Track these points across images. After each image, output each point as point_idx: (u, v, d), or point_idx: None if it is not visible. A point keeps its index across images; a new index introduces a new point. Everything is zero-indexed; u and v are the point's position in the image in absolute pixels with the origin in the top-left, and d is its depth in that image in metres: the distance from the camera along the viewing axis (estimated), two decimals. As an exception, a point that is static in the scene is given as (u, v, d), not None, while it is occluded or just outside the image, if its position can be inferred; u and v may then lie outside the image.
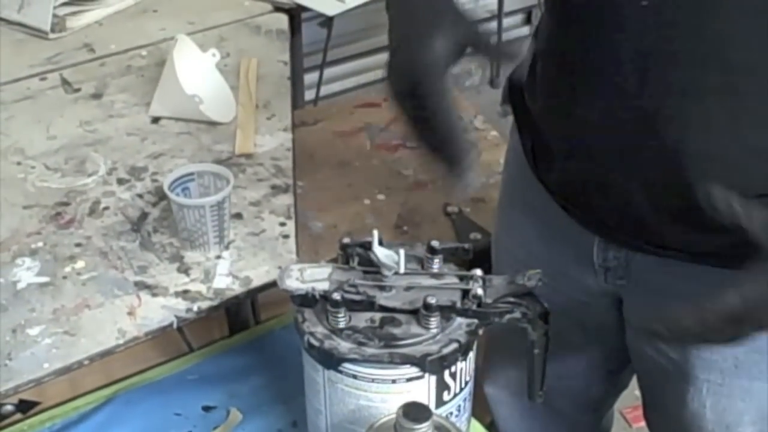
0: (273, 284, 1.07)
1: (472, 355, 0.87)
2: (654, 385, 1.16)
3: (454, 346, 0.83)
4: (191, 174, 1.12)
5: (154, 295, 1.06)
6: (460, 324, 0.85)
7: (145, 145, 1.31)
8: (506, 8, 3.05)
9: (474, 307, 0.85)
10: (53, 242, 1.14)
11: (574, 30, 0.94)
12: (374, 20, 2.57)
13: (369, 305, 0.85)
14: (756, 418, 1.05)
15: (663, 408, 1.14)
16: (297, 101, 1.87)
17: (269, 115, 1.38)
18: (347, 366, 0.83)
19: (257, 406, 1.04)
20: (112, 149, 1.30)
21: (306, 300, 0.86)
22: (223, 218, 1.11)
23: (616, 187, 0.95)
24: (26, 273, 1.09)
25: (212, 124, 1.34)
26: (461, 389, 0.88)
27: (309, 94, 2.49)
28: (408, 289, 0.87)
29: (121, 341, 1.01)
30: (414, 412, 0.76)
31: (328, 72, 2.63)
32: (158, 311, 1.04)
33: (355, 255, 0.90)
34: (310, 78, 2.51)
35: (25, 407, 1.11)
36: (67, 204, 1.20)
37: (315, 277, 0.88)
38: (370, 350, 0.82)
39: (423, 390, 0.84)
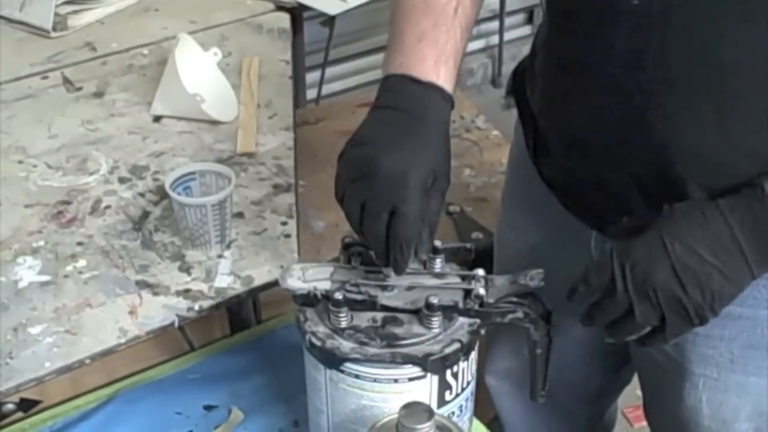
0: (274, 283, 1.07)
1: (474, 354, 0.87)
2: (652, 381, 1.16)
3: (456, 345, 0.83)
4: (193, 173, 1.12)
5: (156, 294, 1.06)
6: (462, 324, 0.85)
7: (146, 144, 1.31)
8: (508, 8, 3.05)
9: (476, 307, 0.85)
10: (55, 241, 1.13)
11: (568, 26, 0.95)
12: (376, 19, 2.57)
13: (371, 305, 0.85)
14: (752, 413, 1.06)
15: (661, 404, 1.15)
16: (299, 100, 1.87)
17: (271, 114, 1.37)
18: (349, 365, 0.83)
19: (259, 405, 1.04)
20: (114, 148, 1.30)
21: (308, 299, 0.86)
22: (225, 217, 1.10)
23: (609, 182, 0.96)
24: (27, 272, 1.09)
25: (214, 123, 1.34)
26: (463, 389, 0.87)
27: (311, 93, 2.49)
28: (410, 288, 0.87)
29: (122, 340, 1.01)
30: (416, 412, 0.75)
31: (330, 71, 2.63)
32: (160, 310, 1.04)
33: (357, 254, 0.90)
34: (311, 77, 2.51)
35: (27, 406, 1.11)
36: (68, 203, 1.20)
37: (317, 276, 0.87)
38: (372, 350, 0.82)
39: (425, 390, 0.84)
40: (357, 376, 0.83)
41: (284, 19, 1.63)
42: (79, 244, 1.13)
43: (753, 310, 0.98)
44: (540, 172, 1.07)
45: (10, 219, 1.17)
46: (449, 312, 0.84)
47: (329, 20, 2.22)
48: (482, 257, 1.02)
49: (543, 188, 1.07)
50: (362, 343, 0.82)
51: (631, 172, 0.94)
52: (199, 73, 1.38)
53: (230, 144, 1.30)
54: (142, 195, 1.21)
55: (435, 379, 0.84)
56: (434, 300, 0.83)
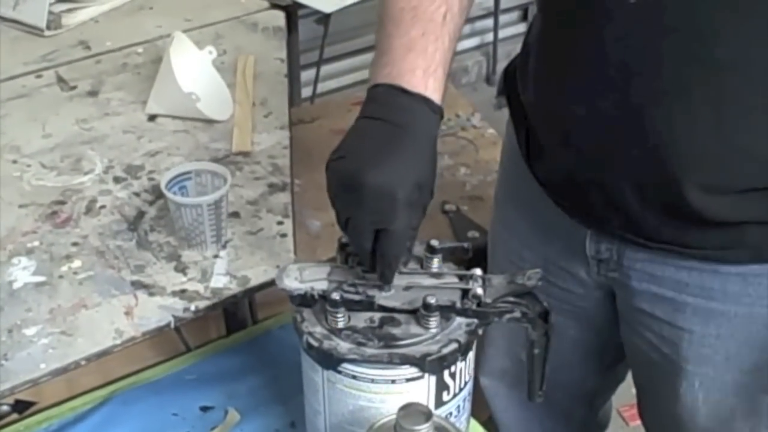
0: (271, 283, 1.06)
1: (471, 355, 0.87)
2: (647, 380, 1.16)
3: (454, 346, 0.83)
4: (188, 172, 1.12)
5: (152, 294, 1.06)
6: (460, 324, 0.85)
7: (141, 143, 1.30)
8: (502, 5, 3.05)
9: (474, 306, 0.85)
10: (49, 241, 1.13)
11: (563, 25, 0.95)
12: (371, 17, 2.53)
13: (368, 305, 0.85)
14: (748, 411, 1.06)
15: (656, 402, 1.15)
16: (294, 99, 1.87)
17: (266, 112, 1.37)
18: (346, 366, 0.82)
19: (255, 406, 1.04)
20: (109, 147, 1.29)
21: (305, 300, 0.86)
22: (221, 217, 1.10)
23: (604, 182, 0.96)
24: (22, 272, 1.08)
25: (209, 122, 1.33)
26: (461, 389, 0.87)
27: (306, 92, 2.48)
28: (407, 288, 0.87)
29: (118, 341, 1.01)
30: (414, 413, 0.75)
31: (325, 69, 2.62)
32: (155, 311, 1.04)
33: (353, 254, 0.89)
34: (306, 75, 2.50)
35: (22, 407, 1.11)
36: (63, 203, 1.19)
37: (314, 276, 0.87)
38: (369, 350, 0.82)
39: (422, 390, 0.83)
40: (354, 377, 0.83)
41: (279, 17, 1.63)
42: (74, 244, 1.13)
43: (748, 309, 0.98)
44: (533, 171, 1.07)
45: (5, 219, 1.16)
46: (447, 312, 0.84)
47: (324, 18, 2.22)
48: (478, 256, 1.02)
49: (536, 187, 1.06)
50: (360, 344, 0.82)
51: (627, 172, 0.93)
52: (194, 71, 1.37)
53: (225, 143, 1.30)
54: (137, 195, 1.20)
55: (433, 379, 0.83)
56: (432, 300, 0.82)
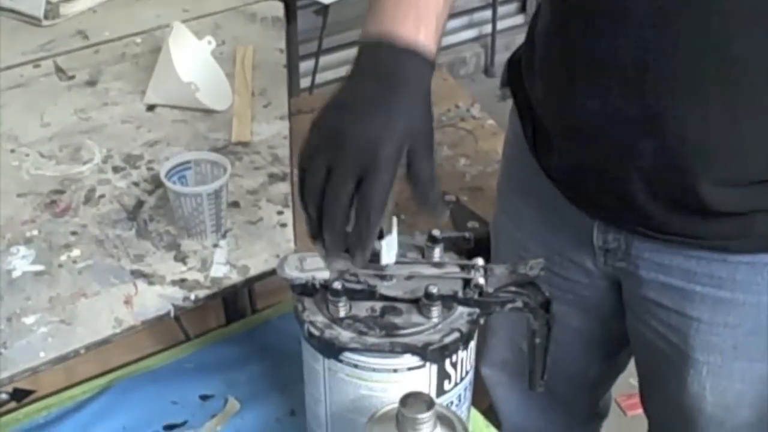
0: (271, 273, 1.06)
1: (472, 344, 0.87)
2: (653, 369, 1.16)
3: (456, 335, 0.83)
4: (188, 162, 1.11)
5: (151, 283, 1.05)
6: (462, 313, 0.84)
7: (140, 133, 1.30)
8: (501, -3, 3.05)
9: (475, 296, 0.84)
10: (48, 230, 1.13)
11: (575, 19, 0.94)
12: (369, 8, 2.55)
13: (370, 294, 0.84)
14: (756, 399, 1.06)
15: (662, 391, 1.15)
16: (292, 89, 1.86)
17: (266, 103, 1.37)
18: (348, 355, 0.82)
19: (255, 395, 1.04)
20: (107, 137, 1.29)
21: (306, 289, 0.86)
22: (221, 207, 1.10)
23: (614, 175, 0.95)
24: (21, 261, 1.08)
25: (208, 112, 1.33)
26: (462, 378, 0.87)
27: (304, 82, 2.48)
28: (409, 278, 0.86)
29: (117, 330, 1.01)
30: (416, 402, 0.75)
31: (324, 60, 2.61)
32: (155, 300, 1.04)
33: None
34: (305, 66, 2.50)
35: (21, 396, 1.10)
36: (62, 192, 1.19)
37: (315, 265, 0.86)
38: (371, 339, 0.81)
39: (424, 379, 0.83)
40: (356, 366, 0.83)
41: (278, 8, 1.62)
42: (73, 233, 1.12)
43: (756, 297, 0.98)
44: (539, 162, 1.06)
45: (3, 208, 1.16)
46: (448, 301, 0.84)
47: (323, 9, 2.22)
48: (478, 246, 1.02)
49: (542, 178, 1.06)
50: (361, 333, 0.82)
51: (638, 166, 0.93)
52: (194, 61, 1.37)
53: (225, 133, 1.29)
54: (136, 184, 1.20)
55: (434, 368, 0.83)
56: (433, 289, 0.82)
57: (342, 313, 0.83)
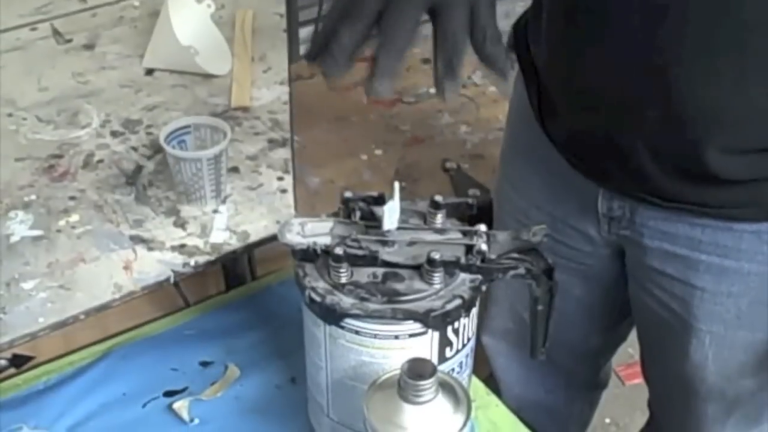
0: (271, 239, 1.06)
1: (474, 311, 0.86)
2: (655, 338, 1.16)
3: (458, 302, 0.82)
4: (188, 126, 1.10)
5: (150, 249, 1.05)
6: (464, 280, 0.84)
7: (139, 98, 1.28)
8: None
9: (478, 262, 0.84)
10: (47, 195, 1.12)
11: None
12: (369, -26, 2.52)
13: (372, 260, 0.83)
14: (757, 369, 1.06)
15: (663, 360, 1.14)
16: (292, 56, 1.84)
17: (265, 68, 1.35)
18: (349, 321, 0.82)
19: (255, 361, 1.03)
20: (106, 101, 1.27)
21: (307, 255, 0.85)
22: (220, 172, 1.09)
23: (620, 142, 0.94)
24: (19, 226, 1.07)
25: (207, 76, 1.31)
26: (463, 345, 0.87)
27: (304, 49, 2.45)
28: (411, 244, 0.85)
29: (117, 296, 1.00)
30: (419, 368, 0.75)
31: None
32: (154, 265, 1.03)
33: (357, 209, 0.88)
34: (304, 32, 2.47)
35: (20, 362, 1.10)
36: (60, 156, 1.17)
37: (316, 231, 0.86)
38: (372, 306, 0.81)
39: (425, 346, 0.83)
40: (357, 332, 0.82)
41: (278, -28, 1.60)
42: (72, 198, 1.11)
43: (761, 266, 0.97)
44: (544, 129, 1.05)
45: (1, 173, 1.14)
46: (451, 268, 0.83)
47: (323, -26, 2.19)
48: (479, 214, 1.01)
49: (546, 145, 1.05)
50: (363, 299, 0.81)
51: (645, 133, 0.92)
52: (193, 25, 1.35)
53: (224, 98, 1.28)
54: (135, 149, 1.19)
55: (436, 335, 0.83)
56: (436, 255, 0.81)
57: (343, 279, 0.82)
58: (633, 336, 1.28)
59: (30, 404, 0.99)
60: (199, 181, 1.07)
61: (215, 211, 1.09)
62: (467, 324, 0.85)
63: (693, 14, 0.84)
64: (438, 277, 0.82)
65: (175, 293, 1.15)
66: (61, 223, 1.08)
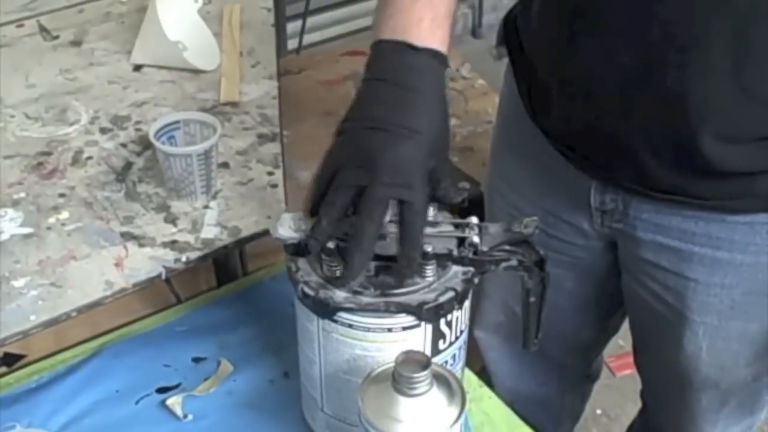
0: (262, 234, 1.06)
1: (467, 303, 0.86)
2: (648, 330, 1.16)
3: (451, 294, 0.82)
4: (177, 122, 1.10)
5: (141, 245, 1.04)
6: (456, 272, 0.84)
7: (127, 94, 1.28)
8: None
9: (470, 255, 0.84)
10: (36, 193, 1.11)
11: None
12: (356, -32, 2.52)
13: (364, 254, 0.83)
14: (751, 359, 1.06)
15: (657, 352, 1.15)
16: (280, 50, 1.84)
17: (254, 62, 1.35)
18: (342, 315, 0.82)
19: (248, 356, 1.03)
20: (94, 98, 1.27)
21: (299, 249, 0.85)
22: (211, 167, 1.08)
23: (614, 131, 0.94)
24: (9, 224, 1.07)
25: (196, 72, 1.31)
26: (456, 338, 0.87)
27: (291, 44, 2.45)
28: (403, 237, 0.85)
29: (108, 293, 1.00)
30: (412, 361, 0.75)
31: (310, 21, 2.59)
32: (146, 262, 1.03)
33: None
34: (292, 27, 2.47)
35: (11, 360, 1.10)
36: (49, 154, 1.17)
37: (308, 225, 0.86)
38: (365, 299, 0.81)
39: (419, 339, 0.83)
40: (350, 326, 0.82)
41: (265, -34, 1.60)
42: (61, 195, 1.11)
43: (754, 257, 0.98)
44: (536, 122, 1.05)
45: (-10, 170, 1.14)
46: (443, 260, 0.83)
47: (309, -32, 2.19)
48: (469, 207, 1.01)
49: (537, 138, 1.05)
50: (355, 293, 0.81)
51: (640, 122, 0.92)
52: (180, 20, 1.35)
53: (213, 93, 1.28)
54: (124, 146, 1.19)
55: (429, 328, 0.83)
56: (428, 248, 0.82)
57: (336, 273, 0.82)
58: (623, 327, 1.29)
59: (23, 402, 0.98)
60: (189, 177, 1.07)
61: (206, 207, 1.09)
62: (460, 316, 0.85)
63: (689, 3, 0.84)
64: (430, 269, 0.82)
65: (167, 289, 1.15)
66: (51, 220, 1.07)
